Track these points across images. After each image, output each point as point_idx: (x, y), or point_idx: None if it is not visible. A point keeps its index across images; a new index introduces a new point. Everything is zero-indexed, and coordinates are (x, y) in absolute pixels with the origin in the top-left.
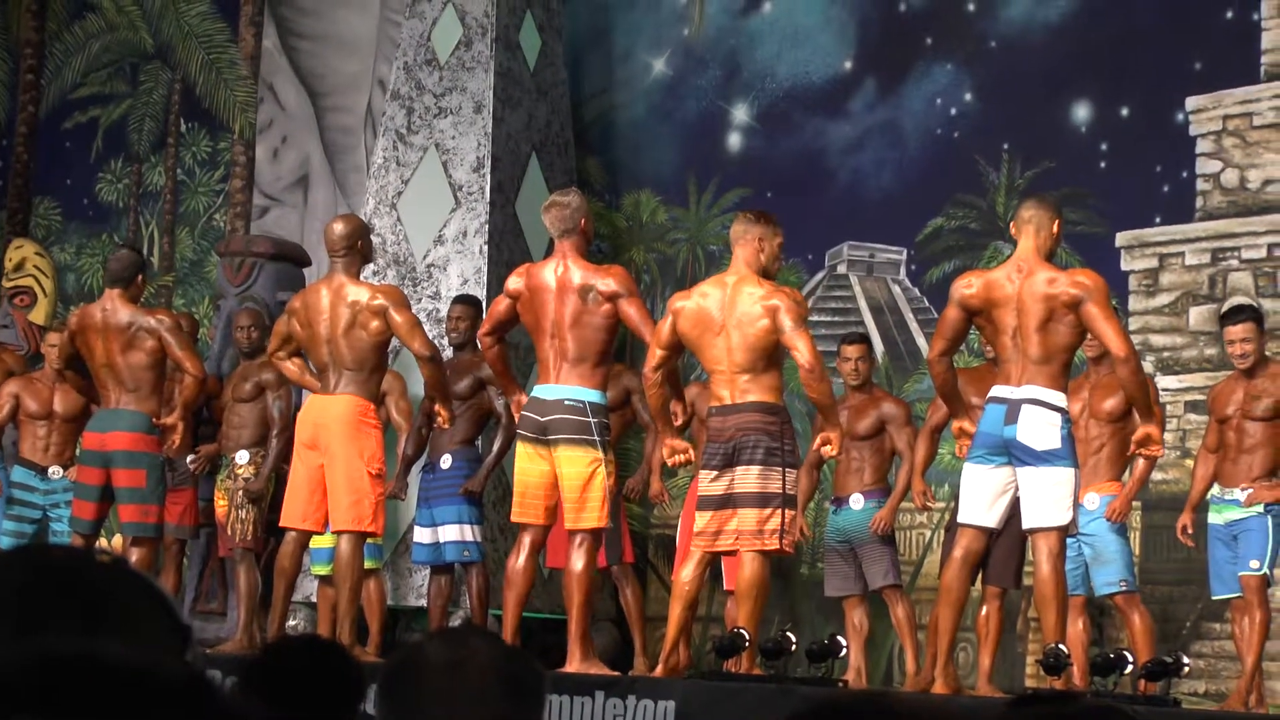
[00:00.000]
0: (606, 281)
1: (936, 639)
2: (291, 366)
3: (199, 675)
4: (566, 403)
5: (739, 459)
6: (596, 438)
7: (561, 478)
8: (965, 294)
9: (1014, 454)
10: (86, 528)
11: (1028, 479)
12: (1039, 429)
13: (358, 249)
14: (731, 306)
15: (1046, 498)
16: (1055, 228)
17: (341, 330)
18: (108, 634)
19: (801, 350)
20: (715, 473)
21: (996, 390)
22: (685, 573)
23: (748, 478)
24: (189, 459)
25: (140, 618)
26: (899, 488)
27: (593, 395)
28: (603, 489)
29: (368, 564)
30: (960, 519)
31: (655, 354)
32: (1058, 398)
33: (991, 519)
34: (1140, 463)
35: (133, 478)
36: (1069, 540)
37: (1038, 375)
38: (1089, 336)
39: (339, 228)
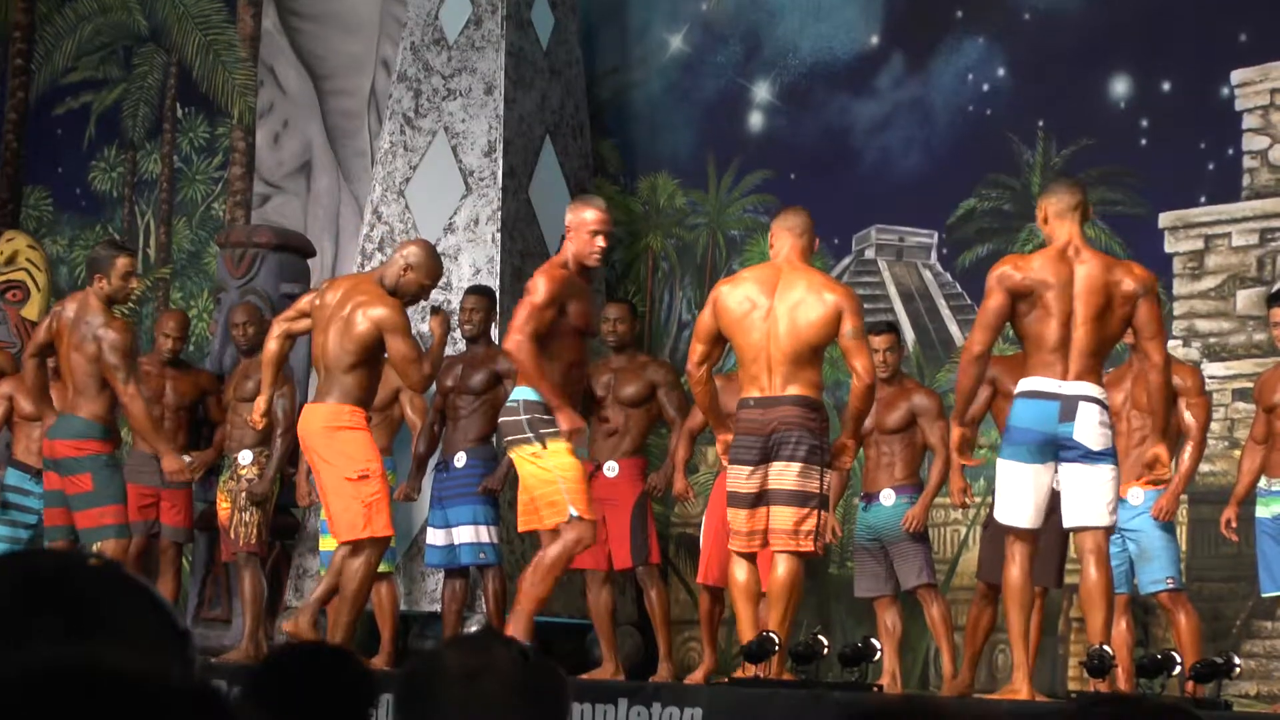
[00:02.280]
0: None
1: (978, 641)
2: (273, 346)
3: (206, 685)
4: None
5: (778, 454)
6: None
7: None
8: (1014, 277)
9: (1062, 451)
10: (60, 534)
11: (1077, 476)
12: (1095, 428)
13: (408, 276)
14: (784, 293)
15: (1097, 497)
16: (1089, 211)
17: (337, 328)
18: (102, 641)
19: (865, 361)
20: (749, 469)
21: (1039, 384)
22: (740, 573)
23: (787, 474)
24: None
25: (135, 623)
26: (933, 483)
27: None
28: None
29: (380, 567)
30: (1016, 523)
31: (696, 349)
32: (1104, 394)
33: (1040, 520)
34: (1187, 456)
35: (77, 484)
36: (1113, 537)
37: (1087, 370)
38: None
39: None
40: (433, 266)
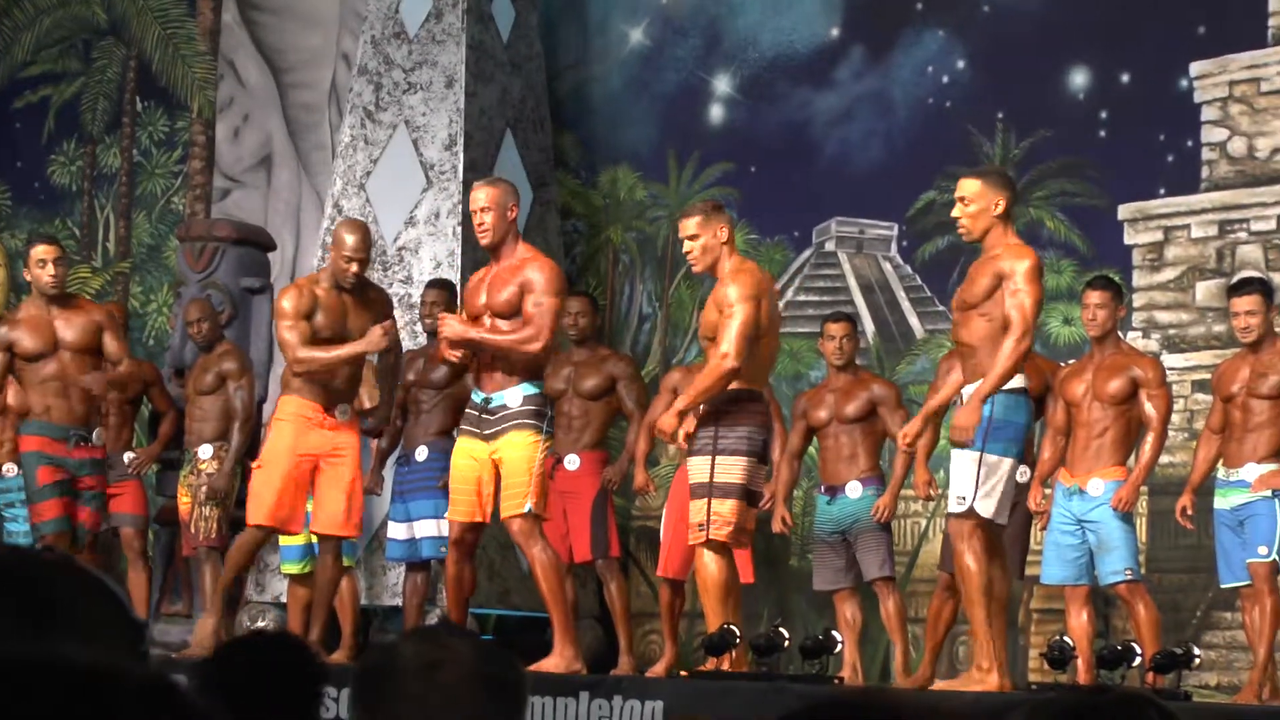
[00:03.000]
0: None
1: (979, 636)
2: None
3: (161, 676)
4: None
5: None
6: None
7: None
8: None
9: None
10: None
11: None
12: None
13: (332, 258)
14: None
15: None
16: None
17: None
18: (59, 633)
19: None
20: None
21: (1020, 381)
22: (718, 566)
23: None
24: (126, 457)
25: (91, 615)
26: (899, 473)
27: None
28: None
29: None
30: (1002, 519)
31: (745, 346)
32: None
33: None
34: (1147, 447)
35: None
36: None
37: None
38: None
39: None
40: (345, 239)
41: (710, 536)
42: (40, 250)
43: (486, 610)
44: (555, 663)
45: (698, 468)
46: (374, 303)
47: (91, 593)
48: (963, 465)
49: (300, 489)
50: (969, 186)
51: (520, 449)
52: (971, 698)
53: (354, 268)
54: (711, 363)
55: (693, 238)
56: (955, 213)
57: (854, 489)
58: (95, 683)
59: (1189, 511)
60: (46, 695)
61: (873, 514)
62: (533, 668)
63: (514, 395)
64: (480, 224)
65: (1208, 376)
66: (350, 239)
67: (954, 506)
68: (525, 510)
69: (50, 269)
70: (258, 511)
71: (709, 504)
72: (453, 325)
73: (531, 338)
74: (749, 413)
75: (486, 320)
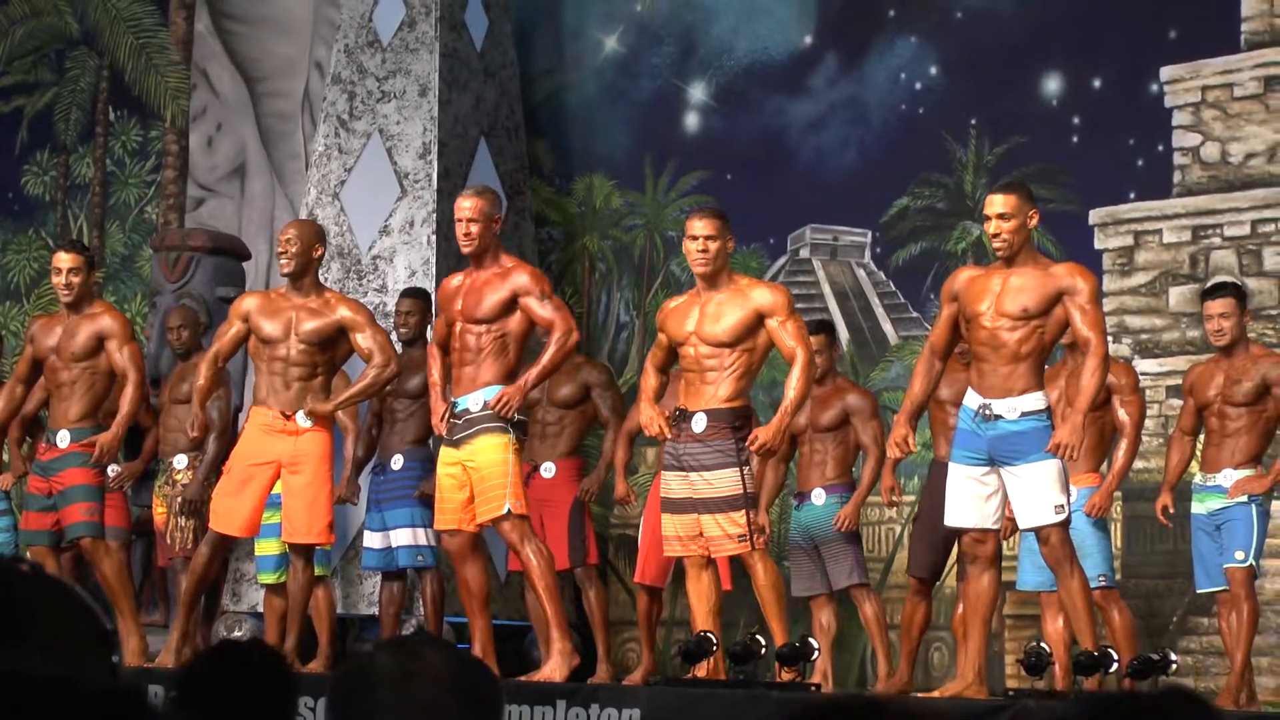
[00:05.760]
0: None
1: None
2: None
3: (123, 687)
4: None
5: None
6: None
7: None
8: None
9: None
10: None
11: None
12: None
13: None
14: None
15: None
16: None
17: None
18: (28, 644)
19: None
20: None
21: None
22: (775, 572)
23: None
24: (110, 470)
25: (62, 626)
26: (865, 482)
27: None
28: None
29: (316, 570)
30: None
31: None
32: None
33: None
34: (1121, 453)
35: None
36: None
37: None
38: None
39: None
40: (285, 234)
41: (755, 546)
42: (54, 258)
43: (463, 619)
44: (555, 663)
45: (727, 479)
46: (324, 307)
47: (62, 603)
48: (1050, 474)
49: (256, 495)
50: (1008, 202)
51: (490, 452)
52: (952, 704)
53: (280, 260)
54: (801, 367)
55: (710, 238)
56: (992, 229)
57: (818, 496)
58: (54, 694)
59: (1169, 510)
60: (6, 707)
61: (834, 523)
62: (537, 676)
63: (476, 400)
64: (467, 233)
65: (1181, 382)
66: (291, 229)
67: (1054, 516)
68: (505, 511)
69: (63, 278)
70: (211, 517)
71: (748, 514)
72: (512, 403)
73: (566, 334)
74: (751, 424)
75: (457, 326)
